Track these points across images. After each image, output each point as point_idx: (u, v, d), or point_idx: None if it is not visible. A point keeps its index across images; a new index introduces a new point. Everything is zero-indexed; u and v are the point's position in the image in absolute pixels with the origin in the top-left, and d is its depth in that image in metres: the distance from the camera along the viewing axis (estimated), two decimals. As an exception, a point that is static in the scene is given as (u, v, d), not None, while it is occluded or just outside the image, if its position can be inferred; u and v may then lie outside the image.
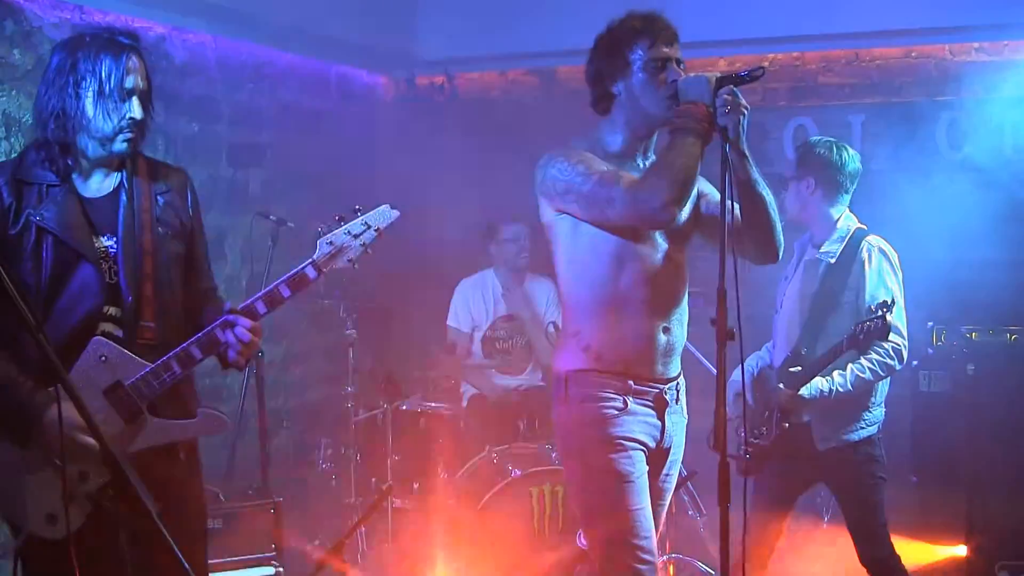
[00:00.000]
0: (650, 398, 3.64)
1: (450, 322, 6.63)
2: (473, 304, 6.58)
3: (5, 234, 3.18)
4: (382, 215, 3.36)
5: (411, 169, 7.18)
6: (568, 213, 3.58)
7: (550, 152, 3.62)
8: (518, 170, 6.90)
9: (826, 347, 4.53)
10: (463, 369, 6.46)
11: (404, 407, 6.15)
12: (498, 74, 7.83)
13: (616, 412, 3.59)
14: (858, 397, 4.60)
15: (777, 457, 4.67)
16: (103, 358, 3.19)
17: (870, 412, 4.67)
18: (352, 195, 7.21)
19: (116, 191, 3.30)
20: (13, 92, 5.02)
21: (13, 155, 4.79)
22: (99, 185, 3.31)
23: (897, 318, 4.51)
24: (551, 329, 6.19)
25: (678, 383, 3.76)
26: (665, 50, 3.55)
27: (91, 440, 3.07)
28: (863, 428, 4.64)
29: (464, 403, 6.46)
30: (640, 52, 3.55)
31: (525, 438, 5.89)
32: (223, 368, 3.40)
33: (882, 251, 4.65)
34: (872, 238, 4.67)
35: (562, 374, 3.66)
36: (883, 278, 4.58)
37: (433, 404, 6.24)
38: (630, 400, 3.60)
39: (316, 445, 6.47)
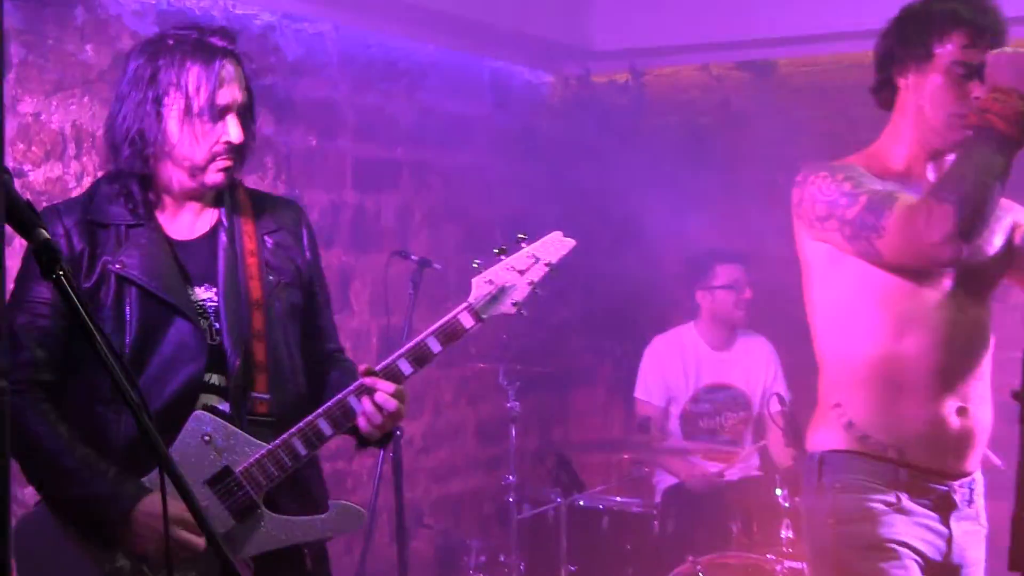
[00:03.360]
0: (932, 497, 3.54)
1: (639, 394, 6.62)
2: (669, 370, 6.57)
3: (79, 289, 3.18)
4: (553, 245, 3.33)
5: (586, 191, 7.22)
6: (828, 243, 3.54)
7: (810, 164, 3.58)
8: (725, 193, 6.89)
9: None
10: (657, 453, 6.40)
11: (582, 502, 6.12)
12: (698, 68, 7.77)
13: (885, 508, 3.51)
14: None
15: None
16: (206, 438, 3.20)
17: None
18: (513, 225, 7.32)
19: (213, 231, 3.33)
20: (85, 98, 5.08)
21: (86, 179, 4.80)
22: (191, 225, 3.33)
23: None
24: (774, 403, 6.00)
25: (973, 480, 3.63)
26: (981, 55, 3.40)
27: (196, 538, 3.10)
28: None
29: (658, 497, 6.42)
30: (950, 47, 3.44)
31: (739, 545, 5.79)
32: (358, 447, 3.40)
33: None
34: None
35: (816, 455, 3.62)
36: None
37: (619, 499, 6.23)
38: (904, 496, 3.52)
39: (466, 549, 6.39)
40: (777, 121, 7.23)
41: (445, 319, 3.27)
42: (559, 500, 6.00)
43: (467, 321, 3.26)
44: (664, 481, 6.45)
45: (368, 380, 3.22)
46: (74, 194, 4.92)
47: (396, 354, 3.27)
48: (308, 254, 3.45)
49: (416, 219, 6.85)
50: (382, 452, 5.59)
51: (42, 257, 2.30)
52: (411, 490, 6.64)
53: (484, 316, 3.27)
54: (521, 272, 3.29)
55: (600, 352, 7.53)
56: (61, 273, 2.30)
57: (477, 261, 3.31)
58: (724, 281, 6.44)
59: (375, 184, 6.62)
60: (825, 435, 3.61)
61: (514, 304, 3.29)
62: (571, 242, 3.32)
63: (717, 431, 6.48)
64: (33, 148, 4.82)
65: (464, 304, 3.27)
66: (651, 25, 7.36)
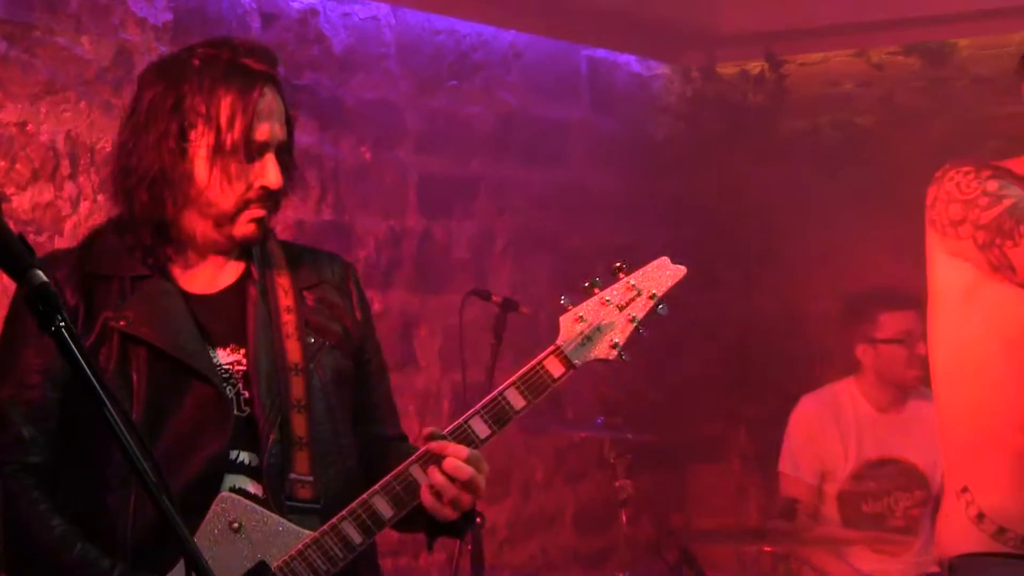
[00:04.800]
0: None
1: (784, 468, 6.57)
2: (823, 438, 6.49)
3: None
4: (657, 273, 3.33)
5: (712, 213, 7.26)
6: (964, 259, 3.57)
7: (954, 161, 3.63)
8: (888, 213, 6.80)
9: None
10: (806, 545, 6.33)
11: (710, 607, 6.07)
12: (853, 54, 7.77)
13: None
14: None
15: None
16: (234, 526, 3.19)
17: None
18: (619, 257, 7.28)
19: (240, 284, 3.39)
20: (81, 103, 5.09)
21: (83, 203, 4.85)
22: (212, 278, 3.38)
23: None
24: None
25: None
26: None
27: None
28: None
29: (808, 599, 6.52)
30: None
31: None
32: (428, 536, 3.38)
33: None
34: None
35: (945, 561, 3.67)
36: None
37: (758, 603, 6.15)
38: None
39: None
40: (955, 120, 7.21)
41: (527, 367, 3.26)
42: (682, 603, 5.99)
43: (555, 368, 3.26)
44: (815, 578, 6.52)
45: (435, 445, 3.21)
46: (69, 223, 4.96)
47: (468, 413, 3.27)
48: (358, 314, 3.49)
49: (497, 250, 6.92)
50: (459, 544, 5.57)
51: (38, 305, 2.29)
52: (496, 592, 6.57)
53: (576, 362, 3.26)
54: (620, 307, 3.28)
55: (731, 417, 7.56)
56: (62, 325, 2.28)
57: (564, 296, 3.30)
58: (891, 333, 6.32)
59: (445, 207, 6.66)
60: (953, 533, 3.65)
61: (613, 346, 3.28)
62: (680, 269, 3.31)
63: (885, 516, 6.37)
64: (17, 166, 4.83)
65: (551, 348, 3.26)
66: (790, 3, 7.41)
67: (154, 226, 3.25)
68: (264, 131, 3.22)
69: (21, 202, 4.85)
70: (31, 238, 4.77)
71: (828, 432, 6.43)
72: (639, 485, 6.19)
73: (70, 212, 4.98)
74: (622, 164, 7.48)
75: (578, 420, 6.45)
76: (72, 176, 5.00)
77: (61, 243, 4.91)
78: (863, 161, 7.36)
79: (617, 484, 5.99)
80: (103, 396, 2.33)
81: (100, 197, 5.05)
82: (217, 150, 3.18)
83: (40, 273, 2.31)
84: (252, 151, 3.21)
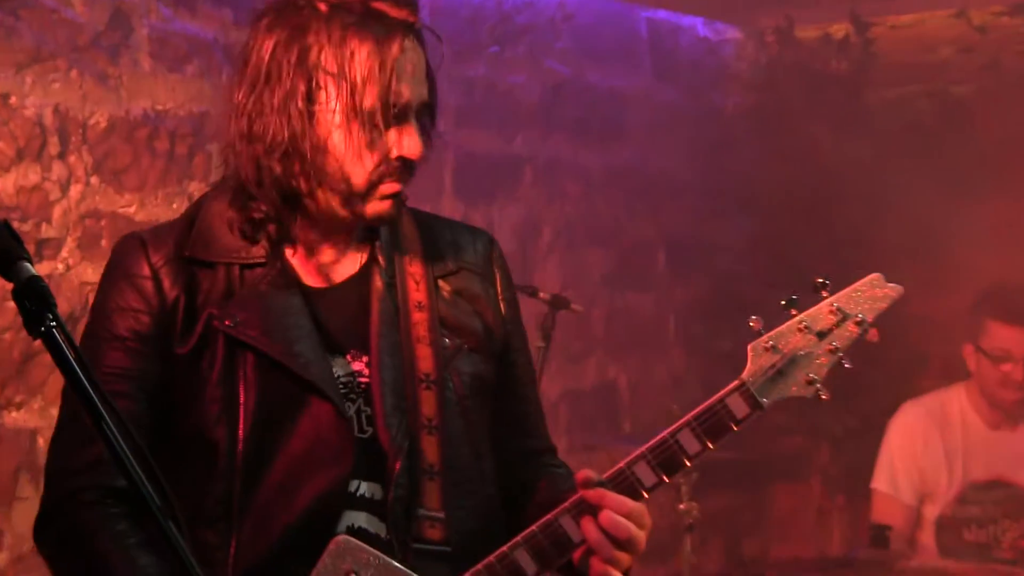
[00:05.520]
0: None
1: (879, 484, 6.60)
2: (926, 453, 6.53)
3: (171, 355, 3.21)
4: (867, 294, 3.25)
5: (791, 197, 7.25)
6: None
7: None
8: (994, 197, 6.77)
9: None
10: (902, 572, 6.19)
11: (790, 648, 6.10)
12: (952, 15, 7.82)
13: None
14: None
15: None
16: None
17: None
18: (683, 248, 7.28)
19: (364, 274, 3.35)
20: (72, 73, 5.09)
21: (75, 187, 4.82)
22: (332, 265, 3.35)
23: None
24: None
25: None
26: None
27: None
28: None
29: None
30: None
31: None
32: None
33: None
34: None
35: None
36: None
37: (847, 644, 6.17)
38: None
39: None
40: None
41: (705, 405, 3.20)
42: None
43: (739, 408, 3.18)
44: (911, 618, 6.37)
45: (591, 494, 3.13)
46: (57, 208, 4.93)
47: (632, 456, 3.19)
48: (503, 306, 3.45)
49: (545, 239, 6.94)
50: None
51: (25, 302, 2.30)
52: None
53: (765, 401, 3.19)
54: (820, 335, 3.21)
55: (813, 430, 7.54)
56: (53, 325, 2.28)
57: (753, 318, 3.23)
58: (995, 348, 6.32)
59: (486, 190, 6.72)
60: None
61: (810, 382, 3.21)
62: (895, 289, 3.24)
63: (990, 547, 6.42)
64: (0, 144, 4.81)
65: (735, 383, 3.19)
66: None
67: (278, 202, 3.21)
68: (405, 93, 3.14)
69: (4, 185, 4.84)
70: (15, 226, 4.76)
71: (932, 446, 6.47)
72: (707, 508, 6.22)
73: (59, 196, 4.97)
74: (687, 141, 7.48)
75: (637, 434, 6.44)
76: (62, 155, 4.99)
77: (49, 231, 4.91)
78: (962, 136, 7.40)
79: (681, 507, 6.00)
80: (103, 410, 2.35)
81: (94, 179, 5.04)
82: (350, 116, 3.13)
83: (29, 266, 2.32)
84: (390, 117, 3.14)
